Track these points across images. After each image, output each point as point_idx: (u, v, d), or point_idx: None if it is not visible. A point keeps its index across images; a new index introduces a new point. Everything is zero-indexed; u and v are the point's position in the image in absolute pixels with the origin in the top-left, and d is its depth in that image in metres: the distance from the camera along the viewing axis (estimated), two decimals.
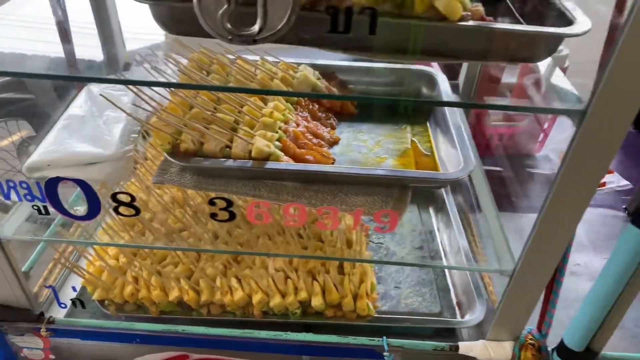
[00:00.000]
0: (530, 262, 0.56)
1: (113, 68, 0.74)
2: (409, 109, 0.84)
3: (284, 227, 0.74)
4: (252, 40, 0.41)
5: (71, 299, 0.67)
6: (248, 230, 0.75)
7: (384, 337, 0.65)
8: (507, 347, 0.65)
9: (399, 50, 0.48)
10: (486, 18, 0.49)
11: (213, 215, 0.55)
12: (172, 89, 0.70)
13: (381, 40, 0.46)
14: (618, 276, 0.54)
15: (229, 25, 0.40)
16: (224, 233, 0.75)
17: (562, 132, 1.28)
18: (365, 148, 0.78)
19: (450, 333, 0.75)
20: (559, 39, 0.49)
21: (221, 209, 0.54)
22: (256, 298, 0.68)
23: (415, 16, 0.47)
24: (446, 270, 0.86)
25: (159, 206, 0.76)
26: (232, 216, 0.55)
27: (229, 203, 0.54)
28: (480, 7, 0.50)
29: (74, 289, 0.74)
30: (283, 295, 0.70)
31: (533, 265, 0.57)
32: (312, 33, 0.45)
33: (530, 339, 0.65)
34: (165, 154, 0.64)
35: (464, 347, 0.65)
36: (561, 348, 0.62)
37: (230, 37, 0.40)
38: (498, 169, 1.21)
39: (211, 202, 0.54)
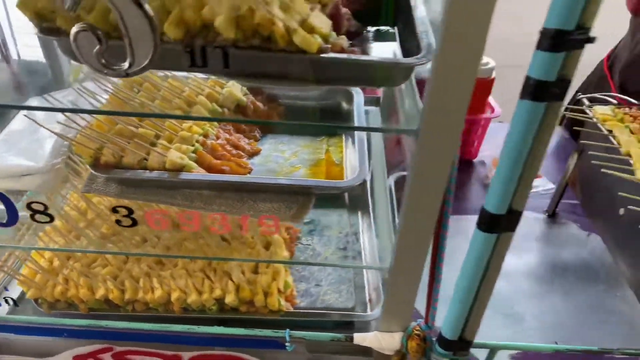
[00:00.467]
0: (400, 261, 0.64)
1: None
2: (326, 122, 0.92)
3: (209, 231, 0.82)
4: (125, 73, 0.48)
5: (4, 297, 0.74)
6: (174, 235, 0.82)
7: (287, 330, 0.73)
8: (396, 337, 0.72)
9: (268, 76, 0.56)
10: (347, 50, 0.57)
11: (118, 222, 0.62)
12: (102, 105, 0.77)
13: (253, 68, 0.53)
14: (472, 273, 0.61)
15: (103, 61, 0.47)
16: (151, 237, 0.82)
17: (495, 138, 1.35)
18: (282, 158, 0.85)
19: (365, 325, 0.82)
20: (401, 67, 0.56)
21: (124, 216, 0.61)
22: (174, 296, 0.76)
23: (281, 49, 0.54)
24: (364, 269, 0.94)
25: (93, 213, 0.83)
26: (135, 222, 0.62)
27: (130, 211, 0.61)
28: (342, 40, 0.57)
29: (6, 289, 0.81)
30: (200, 293, 0.77)
31: (403, 264, 0.64)
32: (185, 63, 0.52)
33: (417, 330, 0.72)
34: (88, 167, 0.72)
35: (358, 337, 0.72)
36: (440, 338, 0.70)
37: (105, 71, 0.48)
38: None
39: (114, 210, 0.61)
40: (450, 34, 0.45)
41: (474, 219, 1.20)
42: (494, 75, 1.21)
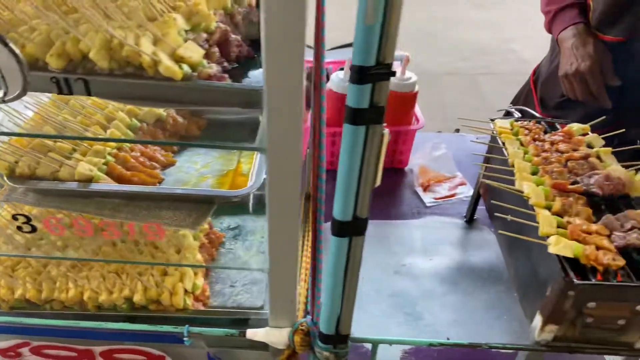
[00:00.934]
0: (273, 263, 0.71)
1: None
2: (239, 134, 0.99)
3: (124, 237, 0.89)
4: (2, 100, 0.55)
5: None
6: (93, 240, 0.89)
7: (187, 326, 0.80)
8: (284, 332, 0.80)
9: (142, 98, 0.63)
10: (213, 77, 0.65)
11: (19, 228, 0.69)
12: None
13: (117, 93, 0.61)
14: (335, 274, 0.69)
15: None
16: (73, 242, 0.90)
17: (424, 147, 1.43)
18: (194, 169, 0.93)
19: (264, 322, 0.90)
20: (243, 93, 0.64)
21: (24, 223, 0.69)
22: (86, 295, 0.83)
23: (151, 77, 0.62)
24: None
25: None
26: (34, 229, 0.69)
27: (29, 218, 0.69)
28: (210, 69, 0.65)
29: None
30: (111, 293, 0.84)
31: (275, 266, 0.71)
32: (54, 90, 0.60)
33: (303, 326, 0.79)
34: (5, 178, 0.79)
35: (251, 333, 0.80)
36: (320, 332, 0.77)
37: None
38: None
39: (14, 217, 0.69)
40: (270, 62, 0.53)
41: (406, 223, 1.28)
42: (416, 89, 1.28)
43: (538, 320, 0.80)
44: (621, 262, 0.73)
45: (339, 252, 0.67)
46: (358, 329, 0.96)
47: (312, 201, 0.71)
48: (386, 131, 0.59)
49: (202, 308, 0.91)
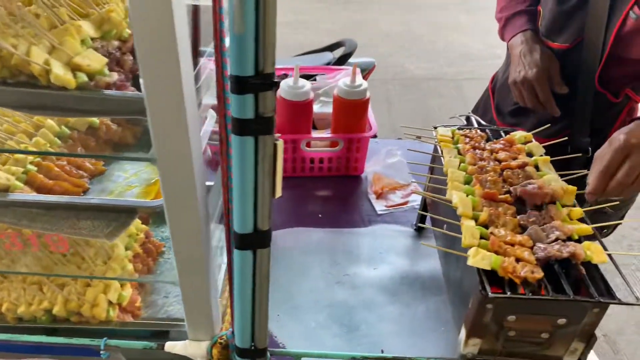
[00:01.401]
0: (182, 276, 0.70)
1: None
2: None
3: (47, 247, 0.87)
4: None
5: None
6: (17, 250, 0.88)
7: (105, 338, 0.78)
8: (203, 346, 0.78)
9: (39, 107, 0.62)
10: (113, 85, 0.63)
11: None
12: None
13: (25, 101, 0.60)
14: (243, 288, 0.67)
15: None
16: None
17: (379, 154, 1.42)
18: (122, 178, 0.91)
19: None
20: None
21: None
22: (4, 307, 0.82)
23: (46, 86, 0.61)
24: None
25: None
26: None
27: None
28: (110, 78, 0.64)
29: None
30: (30, 305, 0.83)
31: (184, 279, 0.70)
32: None
33: (222, 339, 0.78)
34: None
35: (169, 345, 0.78)
36: (236, 346, 0.75)
37: None
38: (324, 190, 1.36)
39: None
40: (145, 68, 0.52)
41: (354, 231, 1.26)
42: (368, 95, 1.27)
43: (463, 333, 0.78)
44: (539, 274, 0.71)
45: (243, 265, 0.65)
46: (292, 340, 0.95)
47: (225, 213, 0.69)
48: (280, 142, 0.58)
49: (131, 320, 0.90)
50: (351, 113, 1.28)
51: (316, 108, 1.49)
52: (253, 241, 0.63)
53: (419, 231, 1.21)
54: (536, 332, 0.75)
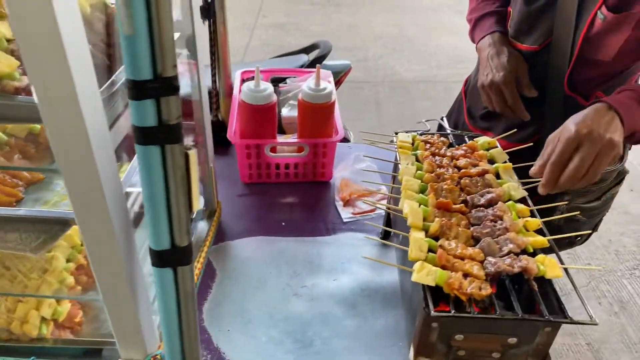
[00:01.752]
0: (104, 292, 0.65)
1: None
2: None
3: None
4: None
5: None
6: None
7: (32, 358, 0.74)
8: None
9: None
10: (23, 90, 0.59)
11: None
12: None
13: None
14: (165, 308, 0.62)
15: None
16: None
17: (348, 159, 1.38)
18: (60, 186, 0.87)
19: None
20: None
21: None
22: None
23: None
24: None
25: None
26: None
27: None
28: (19, 82, 0.59)
29: None
30: None
31: (107, 294, 0.66)
32: None
33: (156, 358, 0.73)
34: None
35: None
36: None
37: None
38: (289, 196, 1.31)
39: None
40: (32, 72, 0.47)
41: (317, 240, 1.22)
42: (333, 98, 1.23)
43: (411, 352, 0.74)
44: (487, 291, 0.67)
45: (164, 284, 0.61)
46: (240, 357, 0.90)
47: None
48: (192, 151, 0.54)
49: (70, 336, 0.85)
50: (316, 117, 1.23)
51: (285, 112, 1.45)
52: (171, 258, 0.59)
53: (386, 239, 1.16)
54: (487, 352, 0.70)
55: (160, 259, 0.59)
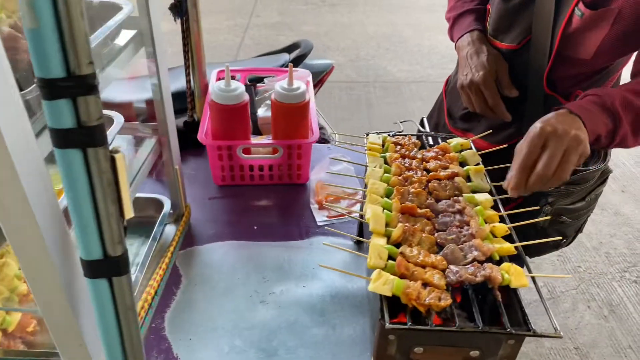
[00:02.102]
0: (39, 302, 0.62)
1: None
2: None
3: None
4: None
5: None
6: None
7: None
8: None
9: None
10: None
11: None
12: None
13: None
14: (104, 322, 0.59)
15: None
16: None
17: (322, 162, 1.34)
18: None
19: None
20: None
21: None
22: None
23: None
24: None
25: None
26: None
27: None
28: None
29: None
30: None
31: (42, 304, 0.62)
32: None
33: None
34: None
35: None
36: None
37: None
38: (264, 199, 1.28)
39: None
40: None
41: (288, 245, 1.18)
42: (307, 98, 1.19)
43: None
44: (447, 302, 0.63)
45: (99, 296, 0.57)
46: None
47: None
48: (119, 155, 0.50)
49: (21, 347, 0.82)
50: (290, 118, 1.20)
51: (261, 112, 1.41)
52: (104, 269, 0.55)
53: (359, 244, 1.13)
54: None
55: (92, 269, 0.55)
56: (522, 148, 0.83)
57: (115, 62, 0.77)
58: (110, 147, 0.50)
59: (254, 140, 1.28)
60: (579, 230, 1.24)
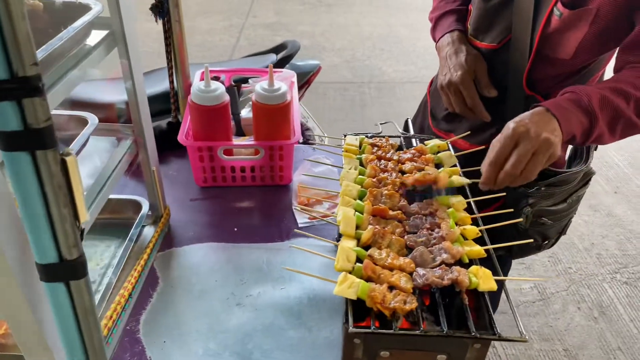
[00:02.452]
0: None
1: None
2: None
3: None
4: None
5: None
6: None
7: None
8: None
9: None
10: None
11: None
12: None
13: None
14: (63, 327, 0.58)
15: None
16: None
17: (305, 163, 1.33)
18: None
19: None
20: None
21: None
22: None
23: None
24: None
25: None
26: None
27: None
28: None
29: None
30: None
31: (3, 304, 0.61)
32: None
33: None
34: None
35: None
36: None
37: None
38: (245, 201, 1.27)
39: None
40: None
41: (267, 247, 1.17)
42: (288, 99, 1.19)
43: None
44: (412, 305, 0.63)
45: (57, 299, 0.56)
46: None
47: None
48: (71, 157, 0.49)
49: None
50: (271, 119, 1.19)
51: (244, 113, 1.41)
52: (61, 272, 0.55)
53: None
54: None
55: (48, 273, 0.55)
56: (494, 145, 0.84)
57: (86, 62, 0.77)
58: (62, 150, 0.49)
59: (236, 141, 1.27)
60: (562, 232, 1.23)
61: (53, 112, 0.96)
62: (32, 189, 0.48)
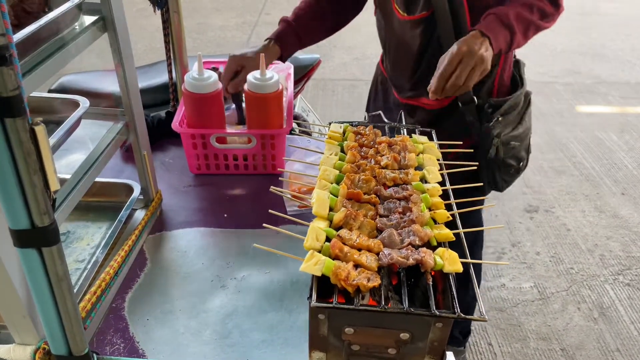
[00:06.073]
0: None
1: None
2: None
3: None
4: None
5: None
6: None
7: None
8: (28, 350, 0.72)
9: None
10: None
11: None
12: None
13: None
14: (36, 291, 0.61)
15: None
16: None
17: (296, 152, 1.35)
18: None
19: None
20: None
21: None
22: None
23: None
24: None
25: None
26: None
27: None
28: None
29: None
30: None
31: None
32: None
33: (46, 345, 0.72)
34: None
35: None
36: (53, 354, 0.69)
37: None
38: (237, 188, 1.29)
39: None
40: None
41: (255, 232, 1.19)
42: (279, 88, 1.21)
43: (307, 346, 0.71)
44: (374, 283, 0.64)
45: (30, 265, 0.59)
46: (154, 347, 0.89)
47: None
48: (40, 127, 0.52)
49: None
50: (263, 108, 1.21)
51: None
52: (33, 239, 0.57)
53: None
54: (382, 348, 0.68)
55: (20, 239, 0.57)
56: (442, 61, 1.05)
57: (73, 45, 0.80)
58: (31, 120, 0.51)
59: (232, 129, 1.30)
60: (528, 150, 1.38)
61: (46, 95, 0.99)
62: (2, 156, 0.51)
